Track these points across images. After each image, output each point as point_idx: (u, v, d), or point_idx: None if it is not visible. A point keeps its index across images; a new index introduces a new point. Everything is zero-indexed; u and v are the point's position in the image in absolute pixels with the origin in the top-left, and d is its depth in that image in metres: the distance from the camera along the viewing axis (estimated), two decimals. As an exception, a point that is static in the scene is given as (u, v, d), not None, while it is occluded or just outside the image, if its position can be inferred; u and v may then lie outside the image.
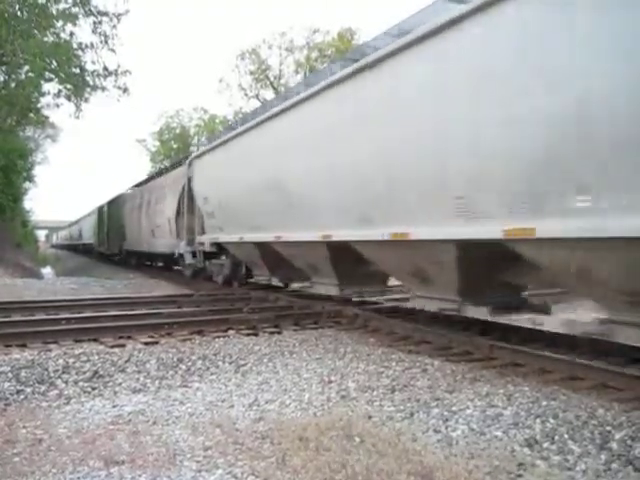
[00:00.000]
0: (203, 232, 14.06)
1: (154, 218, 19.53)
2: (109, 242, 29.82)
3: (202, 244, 14.05)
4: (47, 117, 29.02)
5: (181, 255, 15.82)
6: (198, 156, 14.47)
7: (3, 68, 22.85)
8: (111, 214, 29.38)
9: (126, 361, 6.27)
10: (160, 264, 23.10)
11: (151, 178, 24.80)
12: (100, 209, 33.63)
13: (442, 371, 5.84)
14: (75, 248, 54.98)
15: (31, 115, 26.67)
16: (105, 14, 22.69)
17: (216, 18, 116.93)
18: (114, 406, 4.92)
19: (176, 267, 19.35)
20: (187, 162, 15.49)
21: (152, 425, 4.42)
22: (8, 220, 37.14)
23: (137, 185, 27.17)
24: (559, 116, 4.54)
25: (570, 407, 4.54)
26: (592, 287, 4.97)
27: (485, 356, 6.49)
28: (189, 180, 14.89)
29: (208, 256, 14.24)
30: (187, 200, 15.19)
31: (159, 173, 22.96)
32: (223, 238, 12.67)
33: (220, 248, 13.37)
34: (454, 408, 4.66)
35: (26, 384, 5.47)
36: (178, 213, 16.20)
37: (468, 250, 6.05)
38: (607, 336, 5.02)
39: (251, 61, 40.11)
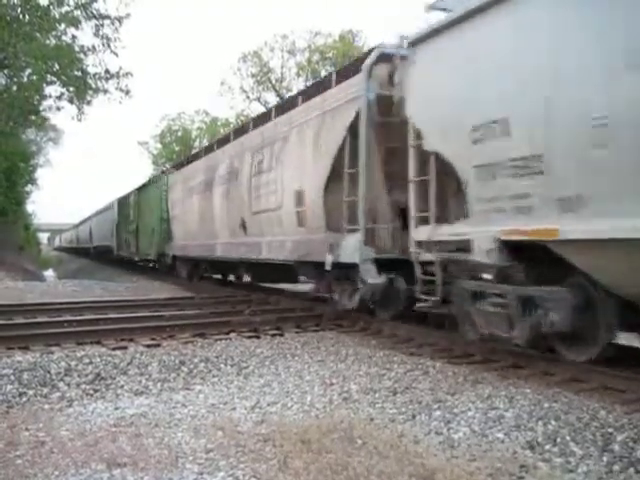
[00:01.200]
0: (442, 218, 6.60)
1: (250, 199, 11.20)
2: (139, 244, 22.01)
3: (445, 246, 6.39)
4: (47, 119, 29.07)
5: (342, 267, 8.08)
6: (437, 32, 6.55)
7: (5, 71, 22.91)
8: (143, 206, 21.77)
9: (128, 363, 6.27)
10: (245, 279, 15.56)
11: (238, 131, 13.74)
12: (122, 201, 26.26)
13: (444, 373, 5.84)
14: (84, 252, 45.60)
15: (33, 118, 26.71)
16: (107, 17, 22.76)
17: (217, 21, 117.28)
18: (116, 408, 4.93)
19: (294, 288, 13.10)
20: (367, 65, 7.80)
21: (154, 427, 4.43)
22: (10, 223, 37.21)
23: (193, 157, 17.83)
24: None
25: (572, 409, 4.54)
26: None
27: (486, 358, 6.49)
28: (378, 102, 7.78)
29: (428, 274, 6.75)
30: (368, 148, 7.75)
31: (262, 117, 12.48)
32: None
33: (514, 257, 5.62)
34: (456, 410, 4.66)
35: (28, 386, 5.47)
36: (329, 181, 8.45)
37: None
38: None
39: (253, 64, 40.15)
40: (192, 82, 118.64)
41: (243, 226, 11.80)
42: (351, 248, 7.80)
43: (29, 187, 43.88)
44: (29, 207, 52.32)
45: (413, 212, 6.93)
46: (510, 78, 5.48)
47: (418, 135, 6.80)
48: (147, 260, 22.26)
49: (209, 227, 13.97)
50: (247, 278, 15.44)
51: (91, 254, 40.47)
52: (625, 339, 5.99)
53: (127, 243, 24.13)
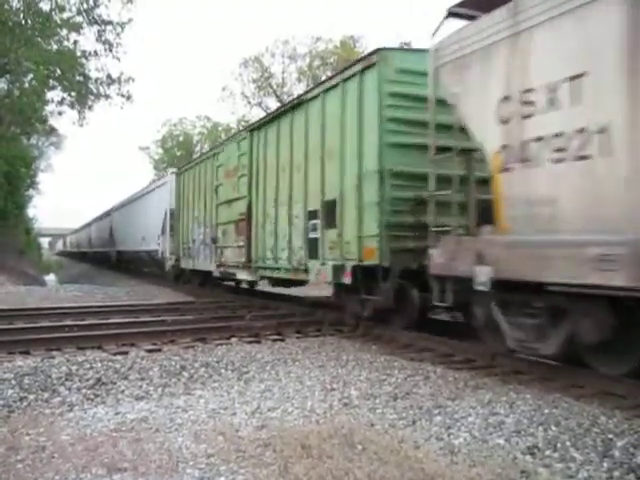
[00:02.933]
0: None
1: None
2: (255, 247, 11.32)
3: None
4: (54, 129, 29.15)
5: None
6: None
7: (7, 76, 22.99)
8: (272, 158, 10.72)
9: (129, 368, 6.27)
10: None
11: None
12: (192, 171, 15.71)
13: (444, 379, 5.85)
14: (97, 258, 36.22)
15: (37, 125, 26.80)
16: (109, 23, 22.87)
17: (219, 27, 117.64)
18: (117, 413, 4.93)
19: None
20: None
21: (155, 432, 4.43)
22: (12, 227, 37.26)
23: None
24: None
25: (572, 415, 4.54)
26: None
27: (487, 364, 6.49)
28: None
29: None
30: None
31: None
32: None
33: None
34: (456, 416, 4.66)
35: (29, 391, 5.48)
36: None
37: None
38: None
39: (254, 69, 40.25)
40: (193, 87, 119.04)
41: None
42: None
43: (30, 191, 43.95)
44: (30, 212, 52.34)
45: None
46: None
47: None
48: (288, 282, 11.38)
49: None
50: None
51: (110, 260, 29.97)
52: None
53: (212, 247, 13.55)
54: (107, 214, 32.05)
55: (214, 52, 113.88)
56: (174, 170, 17.98)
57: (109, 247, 29.66)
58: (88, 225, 42.96)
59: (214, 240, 13.44)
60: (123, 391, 5.65)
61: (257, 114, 37.10)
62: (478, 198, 6.45)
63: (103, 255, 32.58)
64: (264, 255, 10.95)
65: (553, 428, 4.26)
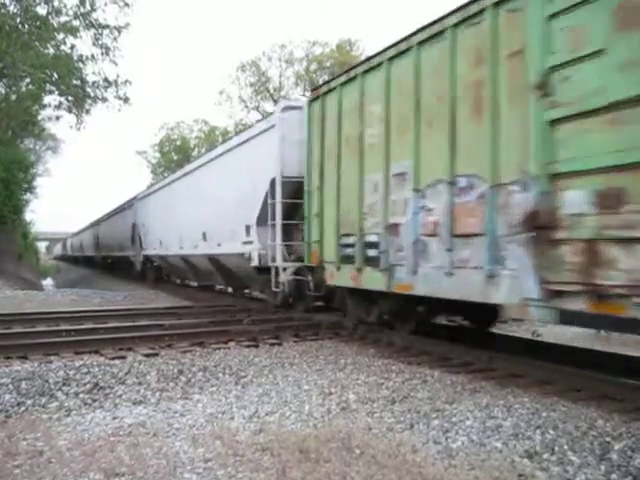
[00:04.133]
0: None
1: None
2: None
3: None
4: (45, 129, 29.10)
5: None
6: None
7: (4, 81, 22.98)
8: None
9: (126, 373, 6.26)
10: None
11: None
12: (345, 86, 8.12)
13: (442, 382, 5.85)
14: (109, 265, 30.25)
15: (32, 129, 26.79)
16: (106, 27, 22.88)
17: (216, 31, 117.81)
18: (114, 418, 4.92)
19: None
20: None
21: (152, 437, 4.42)
22: (9, 232, 37.17)
23: None
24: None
25: (570, 418, 4.55)
26: None
27: (485, 367, 6.50)
28: None
29: None
30: None
31: None
32: None
33: None
34: (454, 419, 4.66)
35: (27, 396, 5.46)
36: None
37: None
38: None
39: (251, 73, 40.44)
40: (191, 91, 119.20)
41: None
42: None
43: (28, 196, 43.83)
44: (28, 216, 52.14)
45: None
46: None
47: None
48: None
49: None
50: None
51: (135, 271, 22.28)
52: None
53: (526, 244, 5.17)
54: (125, 207, 24.01)
55: (211, 56, 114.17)
56: (289, 103, 10.44)
57: (129, 251, 22.35)
58: (95, 224, 34.73)
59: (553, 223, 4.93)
60: (121, 396, 5.63)
61: (255, 118, 37.19)
62: None
63: (118, 261, 25.57)
64: None
65: (551, 431, 4.26)
